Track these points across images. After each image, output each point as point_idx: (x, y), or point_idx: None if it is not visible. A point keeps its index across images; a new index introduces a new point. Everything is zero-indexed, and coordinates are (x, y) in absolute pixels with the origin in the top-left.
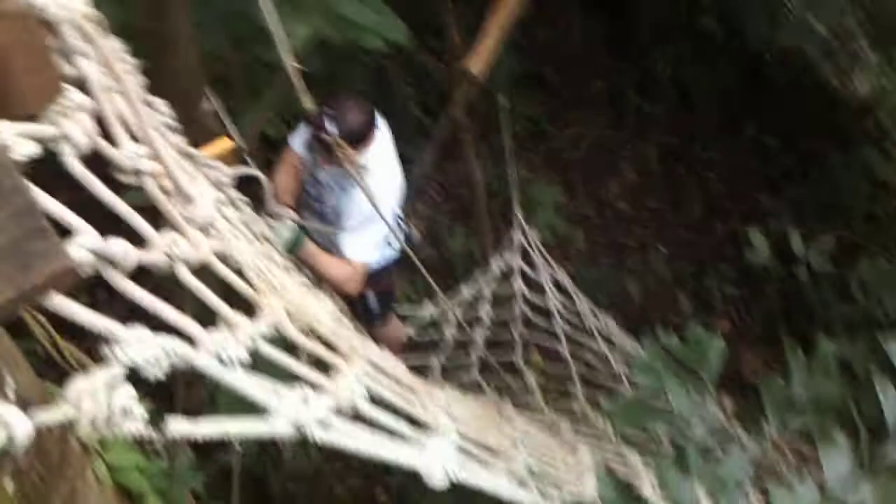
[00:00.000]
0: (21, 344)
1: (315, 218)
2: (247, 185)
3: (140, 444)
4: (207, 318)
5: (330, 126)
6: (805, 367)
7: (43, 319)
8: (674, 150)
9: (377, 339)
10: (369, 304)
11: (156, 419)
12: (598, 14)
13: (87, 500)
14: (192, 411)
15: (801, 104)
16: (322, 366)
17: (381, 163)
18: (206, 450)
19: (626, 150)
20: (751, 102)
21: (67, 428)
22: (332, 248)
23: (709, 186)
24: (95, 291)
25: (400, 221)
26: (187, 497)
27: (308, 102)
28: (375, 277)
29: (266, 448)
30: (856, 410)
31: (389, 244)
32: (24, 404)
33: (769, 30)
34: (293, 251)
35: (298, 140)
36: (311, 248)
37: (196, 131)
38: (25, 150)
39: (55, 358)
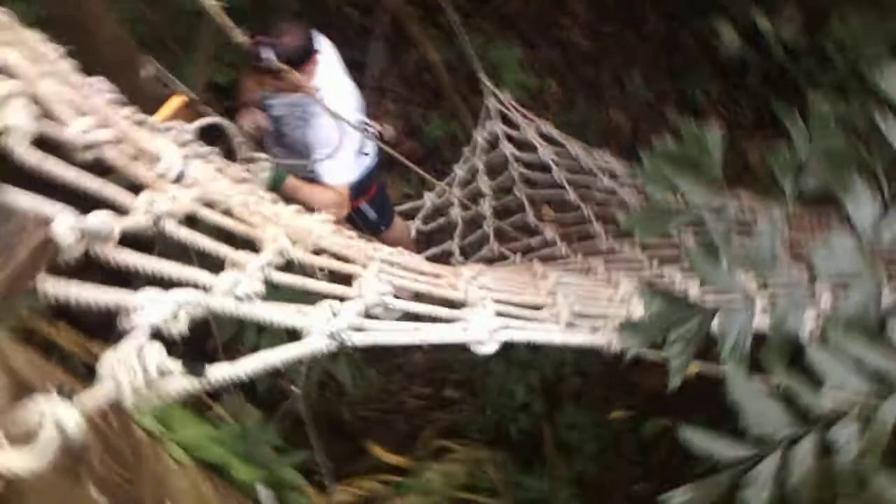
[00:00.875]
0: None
1: (284, 152)
2: (212, 137)
3: (204, 416)
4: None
5: (266, 53)
6: (804, 130)
7: (64, 326)
8: None
9: (387, 244)
10: (367, 215)
11: (194, 368)
12: None
13: (173, 484)
14: None
15: None
16: (341, 279)
17: (331, 80)
18: (271, 405)
19: None
20: None
21: (128, 419)
22: (309, 177)
23: None
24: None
25: (367, 126)
26: (269, 453)
27: (240, 36)
28: (362, 188)
29: (325, 385)
30: (866, 153)
31: (363, 153)
32: (67, 394)
33: None
34: (275, 189)
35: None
36: (291, 182)
37: (144, 99)
38: None
39: (92, 364)
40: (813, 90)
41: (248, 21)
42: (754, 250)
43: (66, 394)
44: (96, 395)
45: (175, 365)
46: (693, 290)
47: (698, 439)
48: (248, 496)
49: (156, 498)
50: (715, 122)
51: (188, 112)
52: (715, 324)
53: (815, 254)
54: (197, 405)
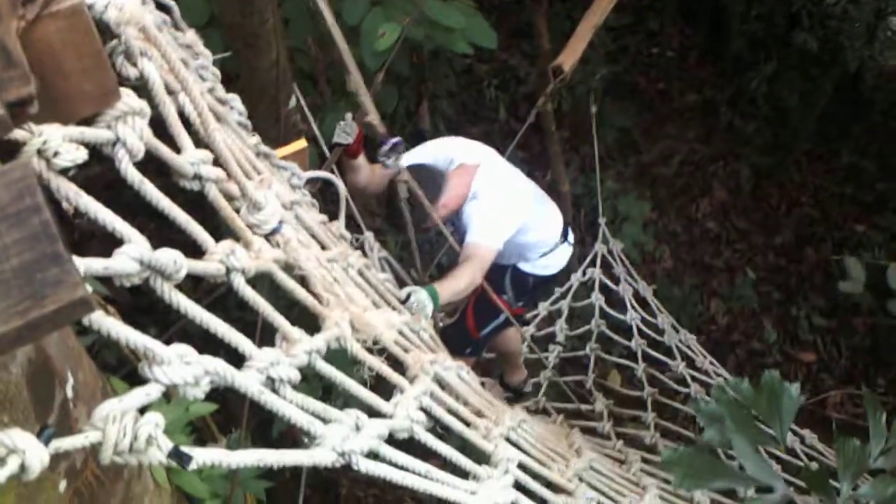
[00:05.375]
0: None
1: None
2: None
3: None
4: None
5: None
6: (884, 434)
7: (112, 309)
8: (766, 170)
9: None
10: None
11: (179, 453)
12: (696, 25)
13: (142, 502)
14: None
15: None
16: (386, 383)
17: (489, 190)
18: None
19: (718, 168)
20: (848, 124)
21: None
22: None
23: (802, 210)
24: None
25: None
26: (247, 502)
27: (377, 120)
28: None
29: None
30: None
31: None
32: (46, 437)
33: (868, 49)
34: (437, 309)
35: None
36: (440, 287)
37: (283, 128)
38: (73, 155)
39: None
40: None
41: (404, 88)
42: None
43: (46, 437)
44: (76, 443)
45: (165, 443)
46: None
47: None
48: None
49: None
50: (806, 355)
51: (305, 157)
52: None
53: None
54: (203, 433)
